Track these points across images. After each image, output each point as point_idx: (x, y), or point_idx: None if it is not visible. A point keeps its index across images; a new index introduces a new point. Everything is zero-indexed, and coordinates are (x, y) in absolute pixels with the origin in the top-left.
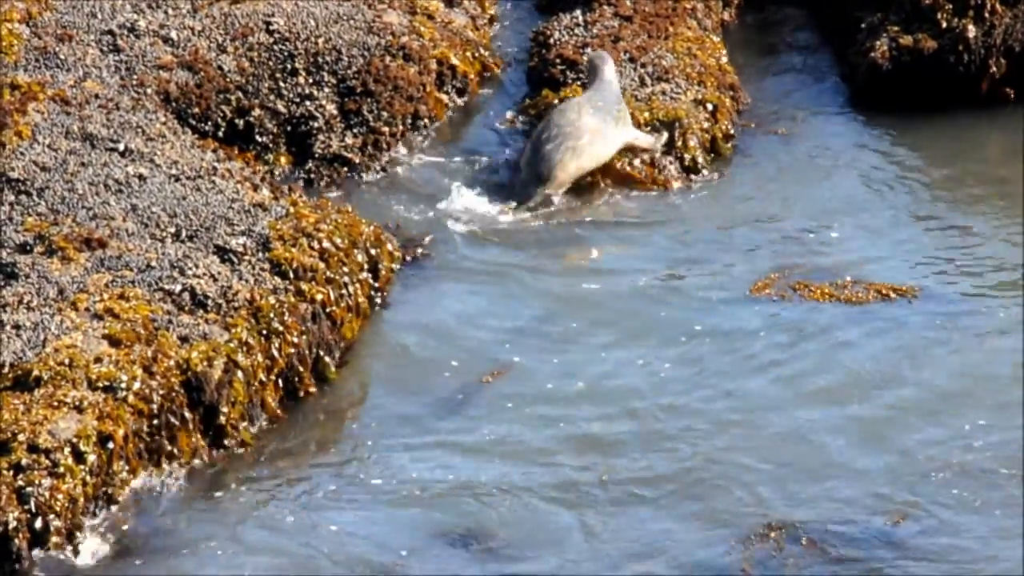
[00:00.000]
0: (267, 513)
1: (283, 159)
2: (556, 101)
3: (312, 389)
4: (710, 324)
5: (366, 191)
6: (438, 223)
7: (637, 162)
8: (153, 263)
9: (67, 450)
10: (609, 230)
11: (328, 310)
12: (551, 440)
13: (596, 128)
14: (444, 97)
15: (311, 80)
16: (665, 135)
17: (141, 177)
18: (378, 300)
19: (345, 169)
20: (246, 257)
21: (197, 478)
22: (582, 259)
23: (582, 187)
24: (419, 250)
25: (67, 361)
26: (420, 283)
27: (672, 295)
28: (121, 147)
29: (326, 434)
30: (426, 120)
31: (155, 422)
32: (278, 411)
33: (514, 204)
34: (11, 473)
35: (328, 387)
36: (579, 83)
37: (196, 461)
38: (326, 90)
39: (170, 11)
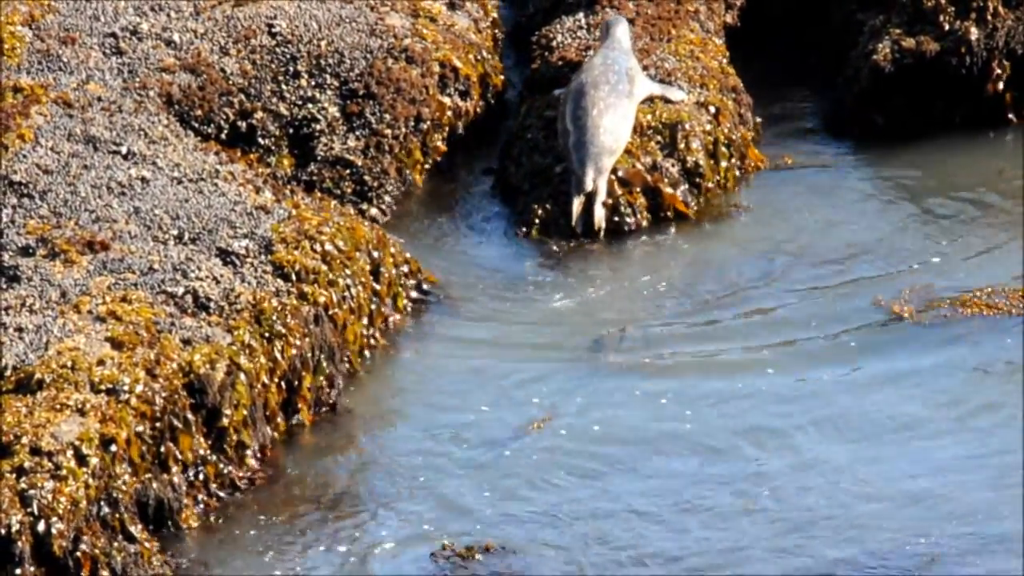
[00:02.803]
0: (258, 546)
1: (285, 162)
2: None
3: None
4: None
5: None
6: (453, 242)
7: (638, 166)
8: (156, 266)
9: (69, 453)
10: (649, 261)
11: (331, 313)
12: (605, 498)
13: (616, 114)
14: (447, 100)
15: (313, 83)
16: (680, 92)
17: (144, 180)
18: (387, 314)
19: (348, 171)
20: (248, 260)
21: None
22: (637, 293)
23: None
24: (430, 286)
25: (69, 364)
26: (436, 318)
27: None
28: (124, 150)
29: (327, 468)
30: (429, 123)
31: (158, 425)
32: (280, 423)
33: (576, 205)
34: (13, 476)
35: (338, 417)
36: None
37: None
38: (328, 93)
39: (172, 14)
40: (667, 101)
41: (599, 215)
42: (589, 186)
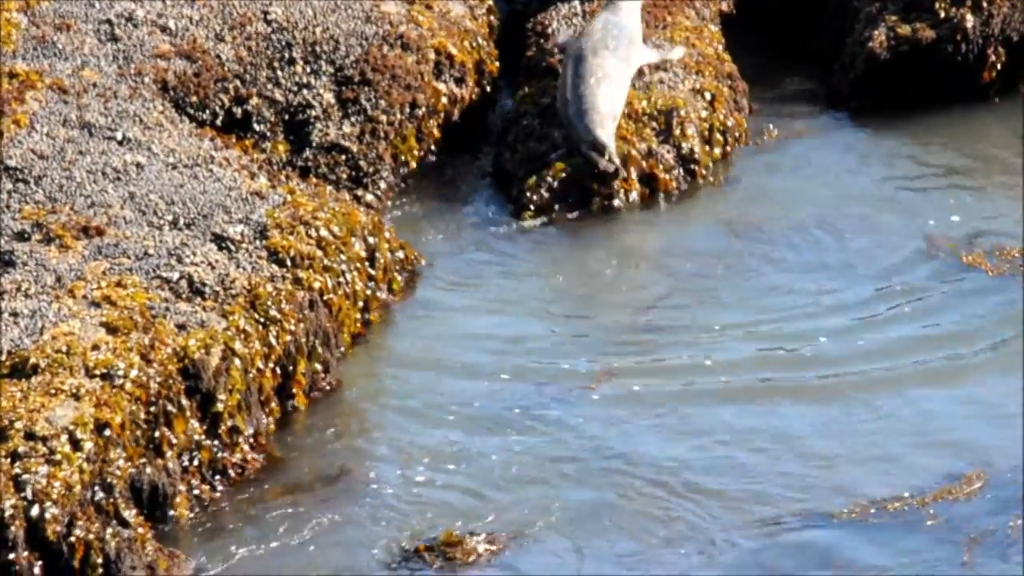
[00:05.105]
0: (257, 517)
1: (281, 148)
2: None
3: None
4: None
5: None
6: (449, 228)
7: (634, 152)
8: (151, 251)
9: (64, 438)
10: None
11: (326, 298)
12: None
13: (613, 81)
14: (442, 87)
15: (309, 69)
16: (679, 50)
17: (139, 165)
18: (382, 295)
19: (343, 157)
20: (243, 245)
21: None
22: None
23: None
24: (423, 261)
25: (64, 348)
26: (432, 291)
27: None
28: (119, 135)
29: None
30: (424, 109)
31: (152, 409)
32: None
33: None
34: (8, 460)
35: (332, 402)
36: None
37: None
38: (324, 79)
39: (168, 1)
40: (667, 62)
41: (606, 163)
42: (608, 143)
